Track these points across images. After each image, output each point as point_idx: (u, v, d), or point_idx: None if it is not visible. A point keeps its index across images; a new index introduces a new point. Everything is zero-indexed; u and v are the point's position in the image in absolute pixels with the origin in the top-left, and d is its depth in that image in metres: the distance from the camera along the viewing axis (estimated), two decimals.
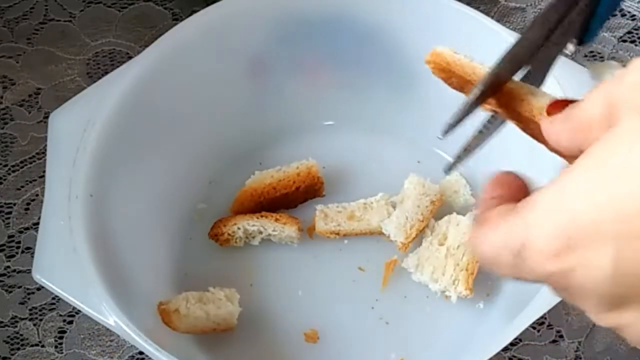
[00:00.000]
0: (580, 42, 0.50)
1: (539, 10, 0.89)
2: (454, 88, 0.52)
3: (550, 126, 0.44)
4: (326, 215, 0.75)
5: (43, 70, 0.87)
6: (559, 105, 0.44)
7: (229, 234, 0.74)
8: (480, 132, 0.50)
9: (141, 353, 0.72)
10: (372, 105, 0.81)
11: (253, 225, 0.74)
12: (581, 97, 0.43)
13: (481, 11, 0.74)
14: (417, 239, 0.74)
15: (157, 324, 0.68)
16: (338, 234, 0.75)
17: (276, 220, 0.74)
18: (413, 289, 0.73)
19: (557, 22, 0.48)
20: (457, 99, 0.79)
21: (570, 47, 0.49)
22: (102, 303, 0.63)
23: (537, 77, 0.50)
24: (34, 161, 0.82)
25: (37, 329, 0.74)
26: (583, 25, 0.49)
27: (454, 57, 0.52)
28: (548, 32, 0.48)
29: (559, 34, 0.48)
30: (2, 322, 0.74)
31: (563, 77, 0.70)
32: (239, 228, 0.74)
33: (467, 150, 0.50)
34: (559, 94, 0.68)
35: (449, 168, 0.51)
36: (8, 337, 0.74)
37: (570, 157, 0.43)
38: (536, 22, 0.48)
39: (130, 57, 0.85)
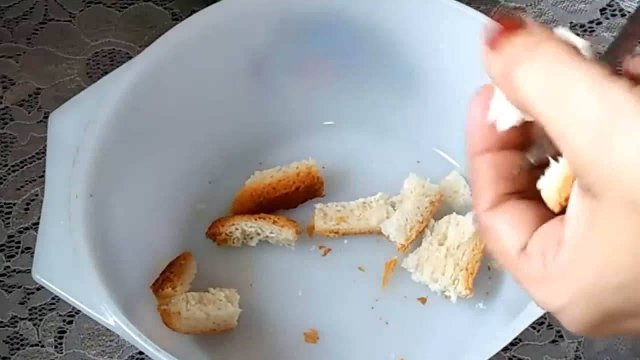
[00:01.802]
0: None
1: (538, 10, 0.89)
2: None
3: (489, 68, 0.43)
4: (325, 214, 0.75)
5: (43, 70, 0.86)
6: (502, 25, 0.42)
7: (226, 234, 0.74)
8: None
9: (141, 353, 0.72)
10: (372, 105, 0.81)
11: (251, 227, 0.74)
12: None
13: (481, 11, 0.74)
14: (417, 239, 0.74)
15: (157, 324, 0.68)
16: (337, 232, 0.75)
17: (274, 222, 0.74)
18: (413, 289, 0.73)
19: None
20: (457, 99, 0.79)
21: None
22: (102, 303, 0.63)
23: None
24: (34, 161, 0.82)
25: (37, 329, 0.74)
26: None
27: None
28: None
29: None
30: (1, 322, 0.74)
31: None
32: (236, 228, 0.74)
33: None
34: None
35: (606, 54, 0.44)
36: (8, 337, 0.74)
37: None
38: None
39: (130, 57, 0.85)
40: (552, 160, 0.43)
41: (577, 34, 0.87)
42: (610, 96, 0.37)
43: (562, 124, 0.38)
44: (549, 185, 0.43)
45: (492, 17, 0.42)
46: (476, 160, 0.45)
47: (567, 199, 0.42)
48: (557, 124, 0.39)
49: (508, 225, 0.44)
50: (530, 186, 0.44)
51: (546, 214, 0.43)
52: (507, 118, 0.44)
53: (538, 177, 0.44)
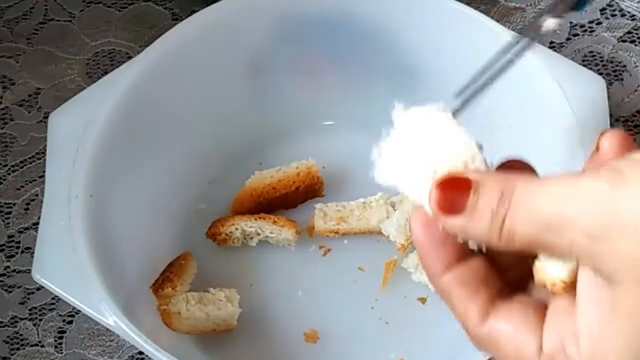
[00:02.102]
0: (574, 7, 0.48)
1: (538, 10, 0.89)
2: None
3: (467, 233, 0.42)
4: (325, 214, 0.75)
5: (43, 70, 0.87)
6: (454, 187, 0.42)
7: (226, 234, 0.74)
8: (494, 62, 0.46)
9: (141, 353, 0.72)
10: (372, 105, 0.80)
11: (251, 227, 0.74)
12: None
13: (481, 11, 0.74)
14: None
15: (157, 324, 0.68)
16: (337, 232, 0.75)
17: (274, 222, 0.74)
18: (413, 289, 0.73)
19: None
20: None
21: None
22: (101, 303, 0.63)
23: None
24: (34, 161, 0.82)
25: (37, 329, 0.74)
26: None
27: None
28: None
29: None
30: (1, 322, 0.74)
31: (563, 77, 0.70)
32: (236, 228, 0.74)
33: (480, 75, 0.46)
34: (559, 95, 0.68)
35: (459, 93, 0.48)
36: (8, 337, 0.74)
37: None
38: None
39: (130, 57, 0.85)
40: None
41: (577, 34, 0.87)
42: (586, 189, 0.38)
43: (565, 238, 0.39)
44: (553, 275, 0.42)
45: (436, 189, 0.42)
46: (442, 281, 0.44)
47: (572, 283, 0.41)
48: (561, 242, 0.39)
49: (513, 331, 0.42)
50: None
51: (539, 303, 0.43)
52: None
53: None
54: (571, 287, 0.41)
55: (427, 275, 0.44)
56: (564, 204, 0.38)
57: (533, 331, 0.42)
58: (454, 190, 0.41)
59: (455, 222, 0.41)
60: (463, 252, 0.43)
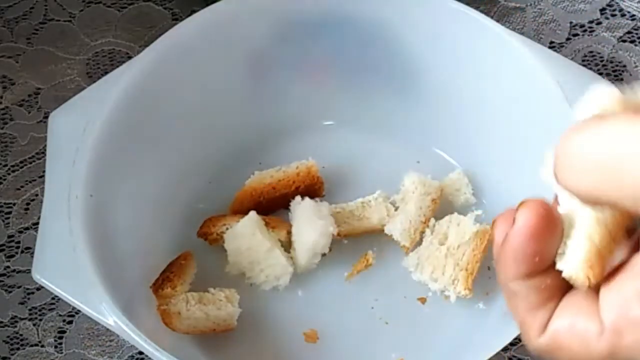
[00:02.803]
0: None
1: (538, 10, 0.89)
2: None
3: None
4: None
5: (43, 70, 0.87)
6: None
7: (217, 234, 0.74)
8: None
9: (141, 353, 0.72)
10: (372, 105, 0.81)
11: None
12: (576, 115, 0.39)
13: (481, 11, 0.74)
14: (418, 238, 0.74)
15: (157, 324, 0.68)
16: (339, 235, 0.75)
17: (266, 223, 0.74)
18: (413, 288, 0.73)
19: None
20: (457, 99, 0.80)
21: None
22: (101, 303, 0.63)
23: None
24: (34, 161, 0.82)
25: (37, 329, 0.74)
26: None
27: None
28: None
29: None
30: (1, 322, 0.74)
31: (563, 77, 0.70)
32: (227, 228, 0.74)
33: None
34: (559, 95, 0.68)
35: None
36: (8, 337, 0.74)
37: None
38: None
39: (130, 57, 0.85)
40: (572, 241, 0.41)
41: (577, 34, 0.87)
42: None
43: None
44: (572, 265, 0.41)
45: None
46: (512, 286, 0.42)
47: (597, 276, 0.40)
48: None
49: (570, 324, 0.40)
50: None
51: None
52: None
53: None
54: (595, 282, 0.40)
55: (498, 272, 0.42)
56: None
57: (590, 314, 0.40)
58: None
59: None
60: (547, 266, 0.42)
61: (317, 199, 0.75)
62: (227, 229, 0.74)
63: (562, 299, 0.41)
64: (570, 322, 0.40)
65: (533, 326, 0.41)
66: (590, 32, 0.87)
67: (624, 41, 0.87)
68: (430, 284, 0.72)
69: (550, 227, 0.40)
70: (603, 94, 0.39)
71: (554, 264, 0.41)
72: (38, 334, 0.74)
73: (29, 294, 0.76)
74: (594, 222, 0.40)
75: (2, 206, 0.80)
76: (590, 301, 0.40)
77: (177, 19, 0.89)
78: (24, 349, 0.73)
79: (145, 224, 0.72)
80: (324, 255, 0.73)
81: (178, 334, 0.69)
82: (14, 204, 0.80)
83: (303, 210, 0.73)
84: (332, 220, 0.73)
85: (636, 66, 0.85)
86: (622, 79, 0.85)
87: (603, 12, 0.88)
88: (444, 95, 0.77)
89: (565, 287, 0.41)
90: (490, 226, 0.72)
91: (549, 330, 0.41)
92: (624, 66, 0.85)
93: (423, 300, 0.73)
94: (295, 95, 0.80)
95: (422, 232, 0.74)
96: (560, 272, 0.41)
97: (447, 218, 0.74)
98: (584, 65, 0.83)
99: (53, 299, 0.75)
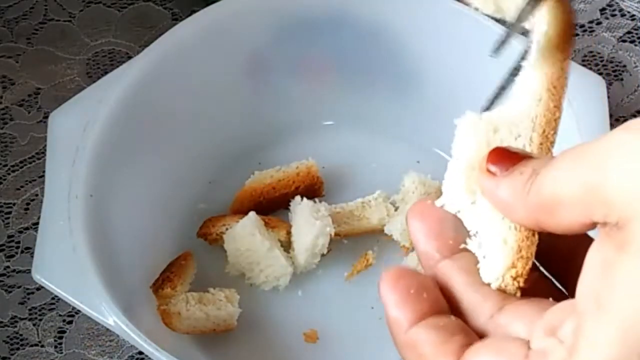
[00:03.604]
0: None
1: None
2: None
3: (496, 190, 0.40)
4: None
5: (42, 70, 0.87)
6: (505, 158, 0.41)
7: (217, 234, 0.74)
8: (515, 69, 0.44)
9: (141, 353, 0.72)
10: (372, 105, 0.81)
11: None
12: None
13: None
14: None
15: (157, 324, 0.68)
16: (339, 235, 0.75)
17: (265, 223, 0.74)
18: None
19: None
20: (457, 99, 0.79)
21: None
22: (101, 303, 0.63)
23: None
24: (34, 161, 0.82)
25: (37, 329, 0.74)
26: None
27: None
28: None
29: None
30: (1, 322, 0.74)
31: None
32: (227, 229, 0.74)
33: (504, 88, 0.45)
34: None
35: (487, 109, 0.45)
36: (8, 337, 0.74)
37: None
38: None
39: (130, 57, 0.85)
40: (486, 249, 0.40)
41: (577, 34, 0.87)
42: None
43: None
44: (496, 274, 0.40)
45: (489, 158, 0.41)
46: (411, 332, 0.39)
47: (526, 280, 0.39)
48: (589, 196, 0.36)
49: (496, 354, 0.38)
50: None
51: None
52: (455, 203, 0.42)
53: None
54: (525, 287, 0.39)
55: (391, 334, 0.40)
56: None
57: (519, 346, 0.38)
58: (506, 159, 0.40)
59: (489, 182, 0.40)
60: (434, 309, 0.40)
61: (316, 199, 0.75)
62: (226, 229, 0.73)
63: (469, 340, 0.39)
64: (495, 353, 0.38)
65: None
66: (590, 32, 0.87)
67: (624, 41, 0.87)
68: None
69: (412, 272, 0.40)
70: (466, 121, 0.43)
71: (442, 310, 0.40)
72: (38, 334, 0.74)
73: (29, 294, 0.76)
74: (506, 226, 0.40)
75: (2, 206, 0.80)
76: (512, 341, 0.38)
77: (177, 19, 0.89)
78: (23, 349, 0.73)
79: (145, 224, 0.72)
80: (323, 255, 0.73)
81: (178, 334, 0.69)
82: (14, 204, 0.80)
83: (301, 210, 0.73)
84: (330, 220, 0.73)
85: (636, 66, 0.85)
86: (622, 79, 0.85)
87: (603, 12, 0.88)
88: (444, 95, 0.77)
89: (466, 328, 0.40)
90: None
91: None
92: (624, 66, 0.85)
93: None
94: (295, 95, 0.80)
95: None
96: (451, 313, 0.40)
97: None
98: (584, 65, 0.83)
99: (53, 299, 0.75)
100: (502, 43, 0.44)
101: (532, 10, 0.43)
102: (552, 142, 0.43)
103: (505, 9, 0.44)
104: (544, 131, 0.43)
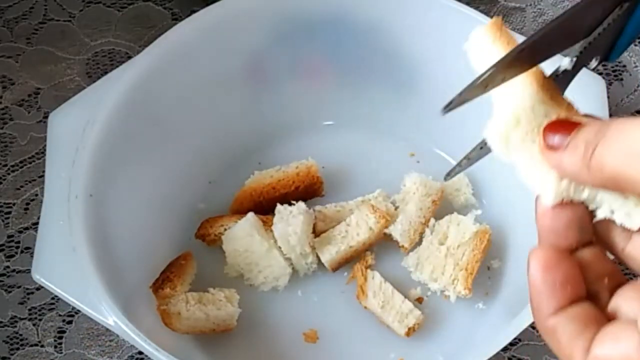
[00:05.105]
0: (606, 59, 0.49)
1: (538, 10, 0.89)
2: None
3: (561, 165, 0.42)
4: (325, 215, 0.75)
5: (42, 70, 0.87)
6: (558, 129, 0.43)
7: (215, 235, 0.74)
8: (484, 144, 0.48)
9: (140, 353, 0.72)
10: (372, 105, 0.81)
11: None
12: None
13: (481, 11, 0.74)
14: (418, 237, 0.74)
15: (157, 324, 0.68)
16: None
17: (264, 223, 0.74)
18: (413, 289, 0.73)
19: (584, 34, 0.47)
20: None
21: (593, 63, 0.48)
22: (101, 303, 0.63)
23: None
24: (34, 161, 0.82)
25: (37, 329, 0.74)
26: (610, 43, 0.48)
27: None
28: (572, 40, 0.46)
29: (584, 50, 0.47)
30: (1, 322, 0.74)
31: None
32: (225, 229, 0.74)
33: (469, 159, 0.50)
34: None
35: (449, 175, 0.51)
36: (7, 337, 0.74)
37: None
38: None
39: (130, 57, 0.85)
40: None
41: None
42: None
43: None
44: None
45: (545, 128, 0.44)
46: (549, 321, 0.43)
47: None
48: None
49: (615, 343, 0.42)
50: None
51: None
52: (551, 192, 0.44)
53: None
54: None
55: (534, 315, 0.44)
56: None
57: (628, 337, 0.41)
58: (560, 130, 0.43)
59: (554, 157, 0.43)
60: (574, 298, 0.44)
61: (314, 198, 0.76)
62: (224, 230, 0.74)
63: (598, 328, 0.43)
64: (610, 347, 0.42)
65: (577, 355, 0.43)
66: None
67: None
68: (430, 283, 0.72)
69: (561, 257, 0.43)
70: (484, 28, 0.47)
71: (581, 297, 0.43)
72: (38, 334, 0.74)
73: (28, 294, 0.76)
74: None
75: (2, 206, 0.80)
76: (626, 326, 0.42)
77: (177, 19, 0.89)
78: (23, 349, 0.73)
79: (146, 224, 0.72)
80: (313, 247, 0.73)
81: (178, 334, 0.69)
82: (14, 204, 0.80)
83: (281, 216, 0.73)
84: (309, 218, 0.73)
85: (636, 66, 0.85)
86: (622, 79, 0.85)
87: None
88: (444, 96, 0.77)
89: (598, 317, 0.43)
90: (487, 228, 0.73)
91: (596, 355, 0.42)
92: (624, 66, 0.85)
93: (420, 301, 0.73)
94: (295, 95, 0.80)
95: (422, 234, 0.74)
96: (591, 302, 0.43)
97: (447, 218, 0.74)
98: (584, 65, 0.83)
99: (53, 299, 0.75)
100: (453, 173, 0.51)
101: (481, 155, 0.47)
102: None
103: None
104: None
